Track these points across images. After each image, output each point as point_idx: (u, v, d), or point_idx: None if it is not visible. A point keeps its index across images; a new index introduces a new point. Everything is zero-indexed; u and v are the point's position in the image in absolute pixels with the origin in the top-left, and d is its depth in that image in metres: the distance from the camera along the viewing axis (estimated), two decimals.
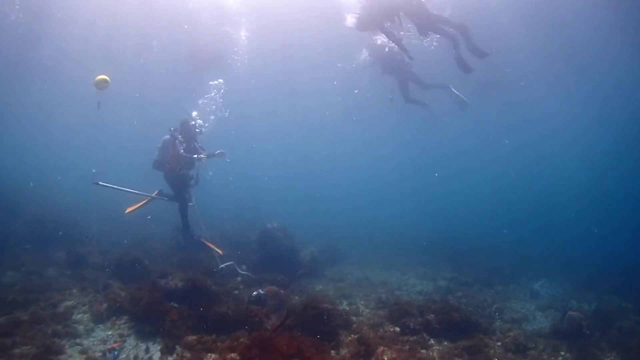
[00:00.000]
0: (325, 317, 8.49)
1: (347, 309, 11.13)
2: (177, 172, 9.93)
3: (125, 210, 10.38)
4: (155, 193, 10.52)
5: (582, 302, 13.15)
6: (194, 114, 10.60)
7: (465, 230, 27.21)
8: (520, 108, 30.64)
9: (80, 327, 8.41)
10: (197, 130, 10.27)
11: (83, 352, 7.46)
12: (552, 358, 8.80)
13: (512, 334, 9.60)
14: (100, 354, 7.51)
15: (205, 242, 10.81)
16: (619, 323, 10.28)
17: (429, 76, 13.18)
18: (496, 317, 11.49)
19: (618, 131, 31.01)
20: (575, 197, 39.76)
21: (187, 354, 7.68)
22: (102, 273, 11.52)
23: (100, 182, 8.87)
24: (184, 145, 9.88)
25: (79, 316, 8.92)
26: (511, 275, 16.19)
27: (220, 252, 10.86)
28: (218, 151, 10.00)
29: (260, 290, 10.43)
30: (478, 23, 18.61)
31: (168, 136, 10.04)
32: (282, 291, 11.03)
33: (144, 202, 10.48)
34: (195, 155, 9.89)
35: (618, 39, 19.17)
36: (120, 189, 9.45)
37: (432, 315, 9.53)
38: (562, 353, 8.99)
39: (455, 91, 13.33)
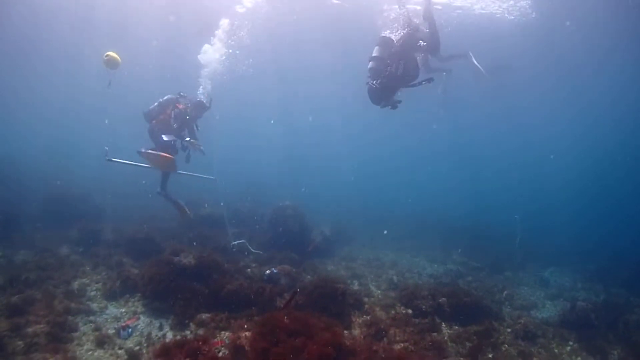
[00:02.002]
0: (337, 297, 8.42)
1: (359, 289, 11.07)
2: (157, 133, 9.44)
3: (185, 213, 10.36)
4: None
5: (590, 293, 13.12)
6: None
7: (477, 217, 27.27)
8: (532, 104, 30.73)
9: (94, 305, 8.42)
10: (204, 106, 9.90)
11: (96, 329, 7.46)
12: (561, 347, 8.81)
13: (522, 321, 9.56)
14: (113, 331, 7.51)
15: (176, 203, 10.37)
16: (626, 317, 10.20)
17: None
18: (506, 304, 11.48)
19: (629, 127, 30.72)
20: (584, 191, 39.68)
21: (201, 332, 7.65)
22: (115, 250, 11.51)
23: (113, 159, 8.77)
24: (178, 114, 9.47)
25: (93, 293, 8.95)
26: (521, 263, 16.14)
27: (188, 212, 10.55)
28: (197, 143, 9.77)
29: (273, 269, 10.39)
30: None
31: (173, 96, 9.68)
32: (294, 270, 10.98)
33: (178, 205, 10.31)
34: (188, 139, 9.59)
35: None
36: (132, 164, 9.32)
37: (443, 299, 9.46)
38: (571, 343, 9.01)
39: (475, 61, 12.85)
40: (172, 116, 9.40)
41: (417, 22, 9.05)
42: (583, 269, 15.90)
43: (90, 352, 6.77)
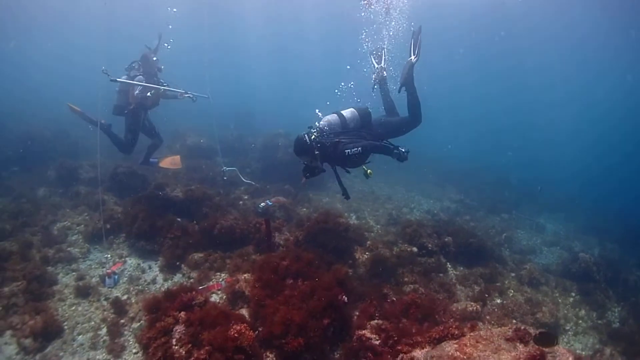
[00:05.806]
0: (340, 232, 7.76)
1: (358, 223, 10.56)
2: (145, 109, 8.69)
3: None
4: None
5: (585, 245, 12.94)
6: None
7: (471, 155, 26.94)
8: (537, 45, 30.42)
9: (75, 250, 7.72)
10: (158, 67, 8.68)
11: (79, 279, 6.82)
12: (564, 298, 8.66)
13: (527, 267, 9.32)
14: (98, 279, 6.88)
15: (161, 164, 9.93)
16: (624, 276, 10.03)
17: None
18: (505, 246, 11.34)
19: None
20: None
21: (194, 274, 7.07)
22: (96, 188, 10.58)
23: (117, 79, 7.80)
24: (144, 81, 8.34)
25: (74, 237, 8.22)
26: (515, 205, 15.92)
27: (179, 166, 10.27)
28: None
29: (267, 201, 9.75)
30: None
31: (125, 76, 8.41)
32: (289, 202, 10.36)
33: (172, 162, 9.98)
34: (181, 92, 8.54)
35: None
36: (137, 84, 8.15)
37: (449, 238, 9.00)
38: (573, 294, 8.84)
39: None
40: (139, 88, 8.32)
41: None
42: (575, 218, 15.85)
43: (73, 308, 6.18)
